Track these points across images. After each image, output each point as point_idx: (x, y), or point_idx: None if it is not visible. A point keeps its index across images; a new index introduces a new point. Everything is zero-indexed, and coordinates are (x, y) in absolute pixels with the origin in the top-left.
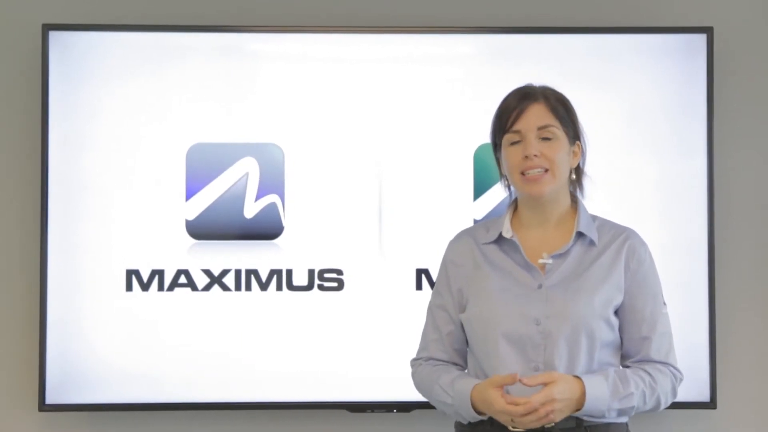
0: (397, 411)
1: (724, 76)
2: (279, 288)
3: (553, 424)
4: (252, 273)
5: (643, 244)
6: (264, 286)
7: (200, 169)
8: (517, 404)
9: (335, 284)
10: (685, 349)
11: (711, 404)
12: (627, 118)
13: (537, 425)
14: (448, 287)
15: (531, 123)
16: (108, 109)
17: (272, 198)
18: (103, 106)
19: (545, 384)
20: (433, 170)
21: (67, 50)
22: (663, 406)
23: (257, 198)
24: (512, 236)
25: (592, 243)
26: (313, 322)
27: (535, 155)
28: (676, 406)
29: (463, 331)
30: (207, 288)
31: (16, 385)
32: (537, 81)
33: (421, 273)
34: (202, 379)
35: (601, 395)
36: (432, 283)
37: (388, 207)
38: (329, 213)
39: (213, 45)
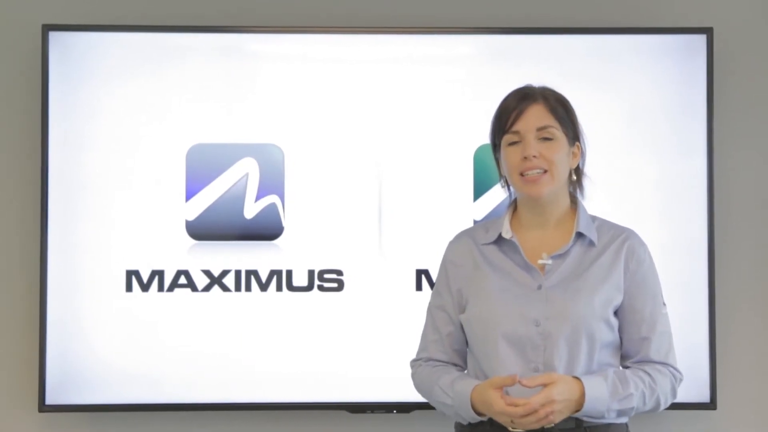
0: (397, 411)
1: (724, 76)
2: (279, 288)
3: (552, 424)
4: (252, 273)
5: (642, 244)
6: (264, 287)
7: (200, 169)
8: (516, 405)
9: (335, 285)
10: (685, 350)
11: (711, 405)
12: (627, 118)
13: (537, 426)
14: (447, 288)
15: (530, 124)
16: (108, 109)
17: (272, 198)
18: (103, 107)
19: (545, 385)
20: (433, 171)
21: (67, 50)
22: (663, 406)
23: (257, 198)
24: (512, 237)
25: (591, 243)
26: (313, 322)
27: (534, 156)
28: (676, 406)
29: (463, 331)
30: (207, 288)
31: (16, 386)
32: (537, 81)
33: (421, 273)
34: (202, 379)
35: (600, 396)
36: (432, 284)
37: (388, 207)
38: (329, 213)
39: (213, 45)
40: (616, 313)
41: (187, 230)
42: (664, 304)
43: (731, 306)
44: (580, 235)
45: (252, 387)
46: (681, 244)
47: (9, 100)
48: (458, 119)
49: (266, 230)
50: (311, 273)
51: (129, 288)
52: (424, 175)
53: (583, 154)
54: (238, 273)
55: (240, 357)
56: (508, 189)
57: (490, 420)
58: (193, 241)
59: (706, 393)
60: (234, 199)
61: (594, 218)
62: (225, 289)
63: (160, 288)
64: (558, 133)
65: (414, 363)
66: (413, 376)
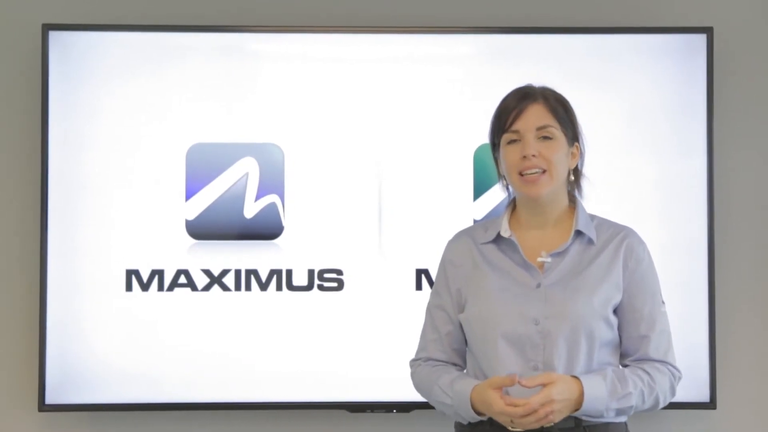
0: (397, 411)
1: (724, 76)
2: (279, 288)
3: (552, 424)
4: (252, 273)
5: (641, 242)
6: (264, 286)
7: (200, 169)
8: (516, 406)
9: (335, 284)
10: (685, 350)
11: (711, 404)
12: (627, 118)
13: (536, 426)
14: (446, 287)
15: (530, 123)
16: (108, 109)
17: (272, 198)
18: (103, 106)
19: (544, 385)
20: (432, 170)
21: (67, 50)
22: (662, 404)
23: (257, 198)
24: (510, 235)
25: (590, 242)
26: (313, 322)
27: (534, 155)
28: (675, 406)
29: (462, 331)
30: (207, 288)
31: (16, 385)
32: (537, 81)
33: (421, 273)
34: (202, 379)
35: (599, 395)
36: (432, 284)
37: (388, 207)
38: (329, 213)
39: (213, 45)
40: (615, 312)
41: (187, 230)
42: (663, 302)
43: (731, 306)
44: (578, 233)
45: (252, 386)
46: (681, 244)
47: (9, 100)
48: (458, 119)
49: (266, 230)
50: (311, 272)
51: (129, 288)
52: (424, 174)
53: (581, 155)
54: (237, 272)
55: (240, 356)
56: (507, 189)
57: (490, 419)
58: (193, 241)
59: (705, 393)
60: (234, 198)
61: (593, 217)
62: (225, 288)
63: (160, 288)
64: (557, 132)
65: (413, 363)
66: (413, 375)
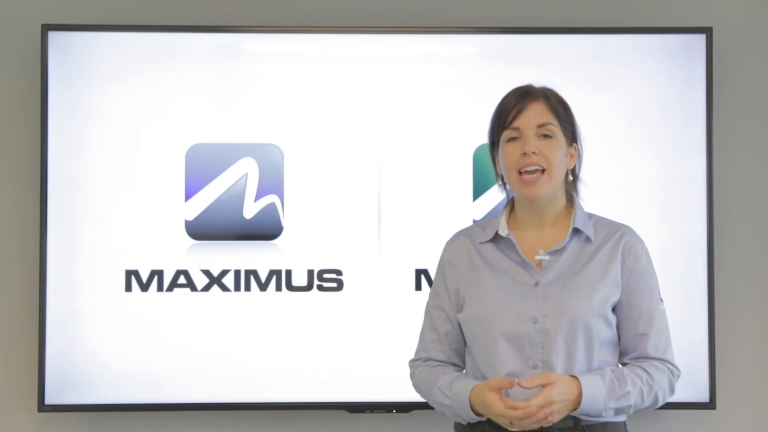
0: (397, 411)
1: (724, 76)
2: (278, 288)
3: (551, 424)
4: (251, 273)
5: (639, 240)
6: (263, 287)
7: (199, 169)
8: (515, 408)
9: (334, 285)
10: (685, 350)
11: (710, 404)
12: (627, 118)
13: (535, 426)
14: (445, 287)
15: (530, 120)
16: (107, 109)
17: (271, 198)
18: (103, 106)
19: (543, 385)
20: (432, 170)
21: (67, 50)
22: (661, 402)
23: (256, 198)
24: (509, 234)
25: (588, 240)
26: (312, 322)
27: (534, 152)
28: (675, 406)
29: (461, 331)
30: (206, 288)
31: (16, 386)
32: (537, 81)
33: (421, 273)
34: (202, 379)
35: (597, 395)
36: (431, 284)
37: (388, 207)
38: (328, 213)
39: (212, 45)
40: (614, 310)
41: (187, 230)
42: (662, 300)
43: (730, 306)
44: (576, 231)
45: (251, 387)
46: (680, 245)
47: (8, 100)
48: (458, 119)
49: (265, 230)
50: (310, 273)
51: (128, 288)
52: (424, 174)
53: (579, 157)
54: (237, 273)
55: (239, 357)
56: (505, 189)
57: (489, 420)
58: (193, 241)
59: (705, 393)
60: (233, 198)
61: (590, 215)
62: (224, 288)
63: (160, 288)
64: (557, 131)
65: (412, 363)
66: (412, 376)
